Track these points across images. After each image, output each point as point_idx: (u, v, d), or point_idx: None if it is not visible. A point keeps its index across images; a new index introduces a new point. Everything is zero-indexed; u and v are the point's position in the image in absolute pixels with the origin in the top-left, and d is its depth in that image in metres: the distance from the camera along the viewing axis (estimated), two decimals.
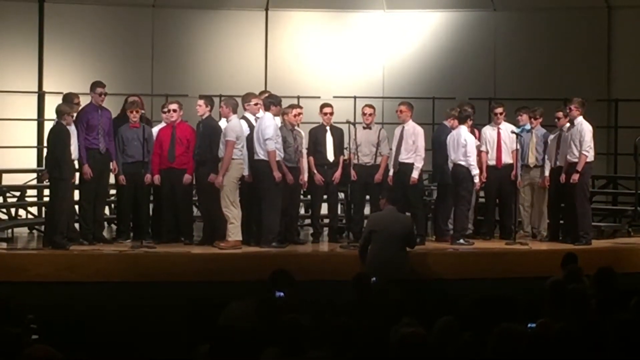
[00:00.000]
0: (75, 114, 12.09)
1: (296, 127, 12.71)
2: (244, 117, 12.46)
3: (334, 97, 15.14)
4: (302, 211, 14.26)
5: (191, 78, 16.14)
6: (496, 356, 5.64)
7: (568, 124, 12.71)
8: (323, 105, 13.20)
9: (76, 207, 12.48)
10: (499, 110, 13.42)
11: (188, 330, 6.95)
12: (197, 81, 15.96)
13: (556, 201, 13.02)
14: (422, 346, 5.69)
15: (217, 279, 11.04)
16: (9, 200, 14.06)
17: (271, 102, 12.41)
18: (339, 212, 13.80)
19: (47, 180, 12.27)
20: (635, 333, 5.87)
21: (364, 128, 13.03)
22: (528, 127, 13.30)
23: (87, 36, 15.91)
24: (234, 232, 11.84)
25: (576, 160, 12.46)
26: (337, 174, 12.93)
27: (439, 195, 13.41)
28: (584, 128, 12.50)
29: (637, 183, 13.83)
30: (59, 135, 11.70)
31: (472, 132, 13.04)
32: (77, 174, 12.24)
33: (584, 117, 12.62)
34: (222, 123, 12.33)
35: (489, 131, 13.41)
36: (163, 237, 12.47)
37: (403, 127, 12.89)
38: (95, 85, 12.49)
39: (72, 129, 11.95)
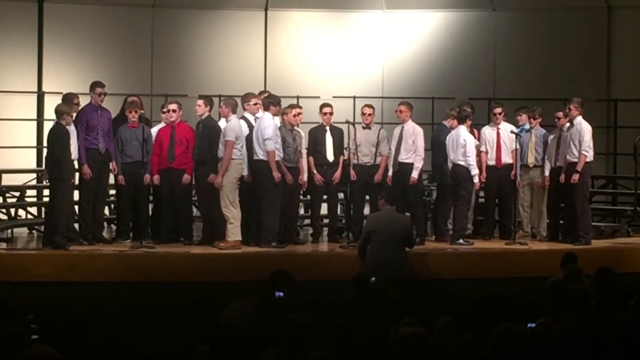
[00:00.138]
0: (74, 114, 12.09)
1: (295, 127, 12.71)
2: (243, 117, 12.45)
3: (334, 97, 15.14)
4: (301, 211, 14.27)
5: (191, 78, 16.14)
6: (496, 356, 5.64)
7: (568, 124, 12.71)
8: (323, 105, 13.20)
9: (76, 207, 12.48)
10: (498, 110, 13.42)
11: (188, 330, 6.95)
12: (196, 81, 15.96)
13: (556, 201, 13.02)
14: (422, 346, 5.69)
15: (217, 279, 11.04)
16: (9, 200, 14.05)
17: (270, 102, 12.40)
18: (338, 212, 13.80)
19: (46, 181, 12.28)
20: (635, 333, 5.87)
21: (364, 128, 13.03)
22: (527, 127, 13.30)
23: (87, 36, 15.91)
24: (234, 232, 11.84)
25: (576, 160, 12.46)
26: (337, 174, 12.93)
27: (439, 195, 13.41)
28: (584, 128, 12.50)
29: (636, 183, 13.84)
30: (58, 136, 11.69)
31: (472, 132, 13.05)
32: (77, 174, 12.24)
33: (584, 117, 12.62)
34: (222, 123, 12.33)
35: (488, 131, 13.41)
36: (162, 237, 12.46)
37: (402, 127, 12.89)
38: (94, 85, 12.49)
39: (72, 129, 11.94)
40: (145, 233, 12.52)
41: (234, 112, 12.14)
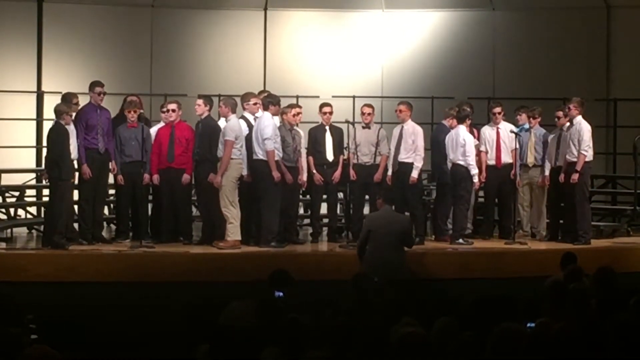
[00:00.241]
0: (73, 114, 12.08)
1: (295, 127, 12.70)
2: (243, 117, 12.45)
3: (333, 96, 15.13)
4: (301, 211, 14.27)
5: (190, 78, 16.14)
6: (496, 356, 5.63)
7: (568, 124, 12.71)
8: (322, 105, 13.19)
9: (75, 207, 12.48)
10: (498, 109, 13.42)
11: (188, 330, 6.93)
12: (196, 81, 15.96)
13: (556, 201, 13.02)
14: (422, 346, 5.69)
15: (217, 279, 11.03)
16: (8, 200, 14.06)
17: (270, 101, 12.40)
18: (338, 211, 13.80)
19: (46, 180, 12.27)
20: (635, 333, 5.87)
21: (363, 128, 13.03)
22: (527, 126, 13.31)
23: (86, 36, 15.91)
24: (233, 232, 11.84)
25: (575, 159, 12.45)
26: (337, 174, 12.93)
27: (438, 195, 13.42)
28: (583, 127, 12.50)
29: (636, 182, 13.84)
30: (58, 135, 11.69)
31: (471, 132, 13.05)
32: (77, 174, 12.23)
33: (583, 117, 12.62)
34: (221, 123, 12.33)
35: (488, 131, 13.41)
36: (162, 237, 12.46)
37: (402, 126, 12.89)
38: (94, 84, 12.49)
39: (71, 129, 11.94)
40: (145, 233, 12.52)
41: (234, 111, 12.14)
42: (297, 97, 15.34)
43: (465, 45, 16.60)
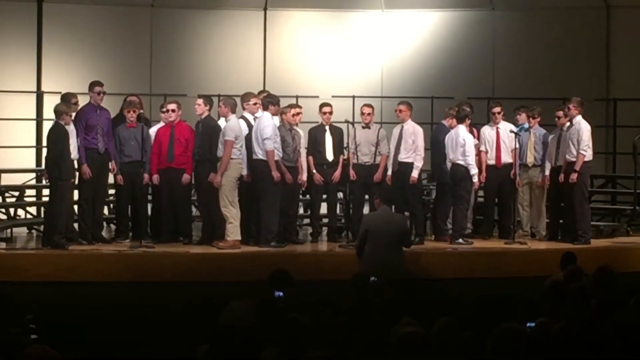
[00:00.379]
0: (73, 114, 12.07)
1: (294, 127, 12.70)
2: (242, 117, 12.45)
3: (333, 96, 15.13)
4: (301, 211, 14.27)
5: (190, 78, 16.14)
6: (496, 356, 5.63)
7: (568, 123, 12.71)
8: (322, 105, 13.19)
9: (75, 207, 12.48)
10: (497, 109, 13.42)
11: (188, 330, 6.94)
12: (195, 81, 15.96)
13: (556, 201, 13.02)
14: (422, 346, 5.69)
15: (217, 279, 11.04)
16: (8, 200, 14.06)
17: (270, 101, 12.40)
18: (338, 211, 13.80)
19: (46, 180, 12.27)
20: (635, 333, 5.87)
21: (363, 127, 13.03)
22: (526, 126, 13.31)
23: (86, 36, 15.91)
24: (233, 232, 11.84)
25: (575, 159, 12.46)
26: (337, 174, 12.93)
27: (438, 195, 13.42)
28: (582, 127, 12.50)
29: (635, 182, 13.84)
30: (57, 135, 11.69)
31: (471, 132, 13.05)
32: (77, 174, 12.23)
33: (583, 117, 12.62)
34: (221, 122, 12.33)
35: (487, 131, 13.41)
36: (162, 237, 12.46)
37: (402, 126, 12.90)
38: (93, 84, 12.49)
39: (71, 129, 11.94)
40: (145, 233, 12.52)
41: (234, 111, 12.14)
42: (297, 97, 15.34)
43: (465, 45, 16.60)
